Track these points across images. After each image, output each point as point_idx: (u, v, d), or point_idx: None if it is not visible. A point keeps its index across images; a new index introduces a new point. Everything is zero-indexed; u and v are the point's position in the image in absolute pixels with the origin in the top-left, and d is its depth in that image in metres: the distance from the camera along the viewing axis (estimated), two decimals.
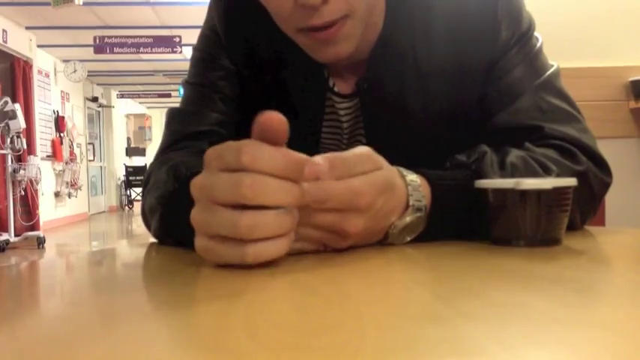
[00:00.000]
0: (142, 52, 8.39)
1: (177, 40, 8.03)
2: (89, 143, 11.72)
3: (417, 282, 0.44)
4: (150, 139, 15.17)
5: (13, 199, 6.64)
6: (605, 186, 0.74)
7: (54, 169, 9.23)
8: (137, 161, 14.49)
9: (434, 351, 0.26)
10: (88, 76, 9.78)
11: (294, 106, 0.80)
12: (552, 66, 0.79)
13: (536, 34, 0.79)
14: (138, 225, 9.10)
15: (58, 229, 8.69)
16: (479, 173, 0.62)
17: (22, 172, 6.78)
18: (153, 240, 0.71)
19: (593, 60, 2.70)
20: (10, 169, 6.65)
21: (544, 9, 2.43)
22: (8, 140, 6.42)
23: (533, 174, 0.65)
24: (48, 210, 8.60)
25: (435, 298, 0.37)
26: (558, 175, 0.65)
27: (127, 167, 13.50)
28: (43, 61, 8.90)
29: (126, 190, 13.51)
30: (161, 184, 0.67)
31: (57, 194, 9.30)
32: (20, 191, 6.91)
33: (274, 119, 0.44)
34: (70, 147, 9.94)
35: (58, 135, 9.37)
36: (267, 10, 0.69)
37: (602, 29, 2.70)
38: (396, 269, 0.51)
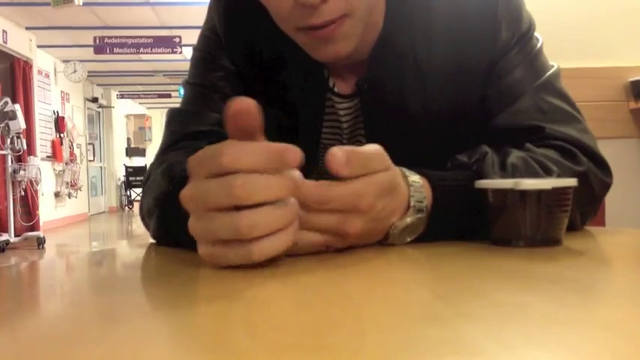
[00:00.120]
0: (142, 53, 8.39)
1: (178, 40, 8.03)
2: (89, 144, 11.73)
3: (417, 282, 0.44)
4: (150, 140, 15.17)
5: (13, 199, 6.65)
6: (606, 186, 0.74)
7: (54, 170, 9.24)
8: (137, 162, 14.49)
9: (434, 351, 0.26)
10: (88, 76, 9.79)
11: (294, 106, 0.80)
12: (552, 66, 0.79)
13: (536, 34, 0.79)
14: (138, 225, 9.10)
15: (58, 230, 8.69)
16: (480, 174, 0.62)
17: (22, 172, 6.79)
18: (152, 240, 0.71)
19: (593, 60, 2.70)
20: (10, 170, 6.65)
21: (544, 9, 2.43)
22: (8, 141, 6.42)
23: (534, 174, 0.65)
24: (48, 210, 8.60)
25: (435, 298, 0.37)
26: (559, 176, 0.65)
27: (126, 168, 13.50)
28: (43, 61, 8.89)
29: (126, 190, 13.50)
30: (157, 184, 0.67)
31: (57, 195, 9.30)
32: (20, 192, 6.92)
33: (242, 103, 0.44)
34: (70, 147, 9.94)
35: (58, 135, 9.37)
36: (267, 10, 0.69)
37: (602, 29, 2.70)
38: (397, 269, 0.50)
